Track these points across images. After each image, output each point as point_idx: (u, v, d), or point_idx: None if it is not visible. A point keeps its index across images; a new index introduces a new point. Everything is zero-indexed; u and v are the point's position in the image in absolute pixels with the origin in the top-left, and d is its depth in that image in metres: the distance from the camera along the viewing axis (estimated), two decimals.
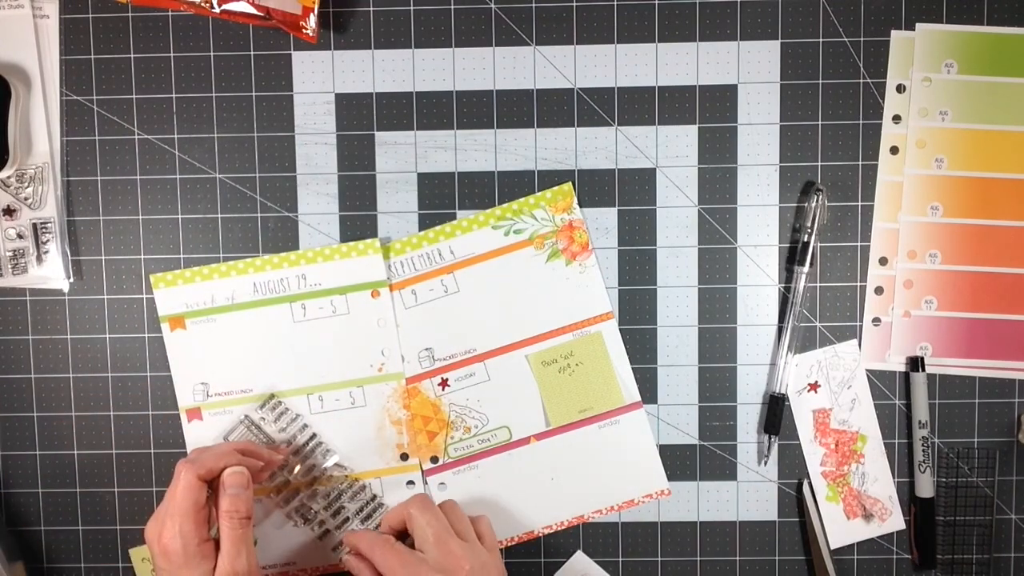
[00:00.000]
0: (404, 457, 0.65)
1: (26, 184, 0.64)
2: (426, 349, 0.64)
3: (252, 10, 0.60)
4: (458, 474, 0.65)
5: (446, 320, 0.64)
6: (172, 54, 0.64)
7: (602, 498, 0.65)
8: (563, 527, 0.65)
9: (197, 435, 0.65)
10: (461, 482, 0.65)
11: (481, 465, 0.65)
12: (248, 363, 0.64)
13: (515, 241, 0.64)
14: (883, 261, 0.64)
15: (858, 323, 0.65)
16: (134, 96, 0.65)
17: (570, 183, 0.64)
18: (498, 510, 0.65)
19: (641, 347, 0.65)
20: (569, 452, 0.64)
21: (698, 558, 0.66)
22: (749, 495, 0.65)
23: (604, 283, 0.64)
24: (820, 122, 0.64)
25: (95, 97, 0.65)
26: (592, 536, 0.66)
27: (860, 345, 0.65)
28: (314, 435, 0.64)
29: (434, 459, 0.65)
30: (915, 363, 0.64)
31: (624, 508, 0.65)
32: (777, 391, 0.64)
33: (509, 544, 0.65)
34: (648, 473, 0.65)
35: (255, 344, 0.64)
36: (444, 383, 0.64)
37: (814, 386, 0.65)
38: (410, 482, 0.65)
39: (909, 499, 0.65)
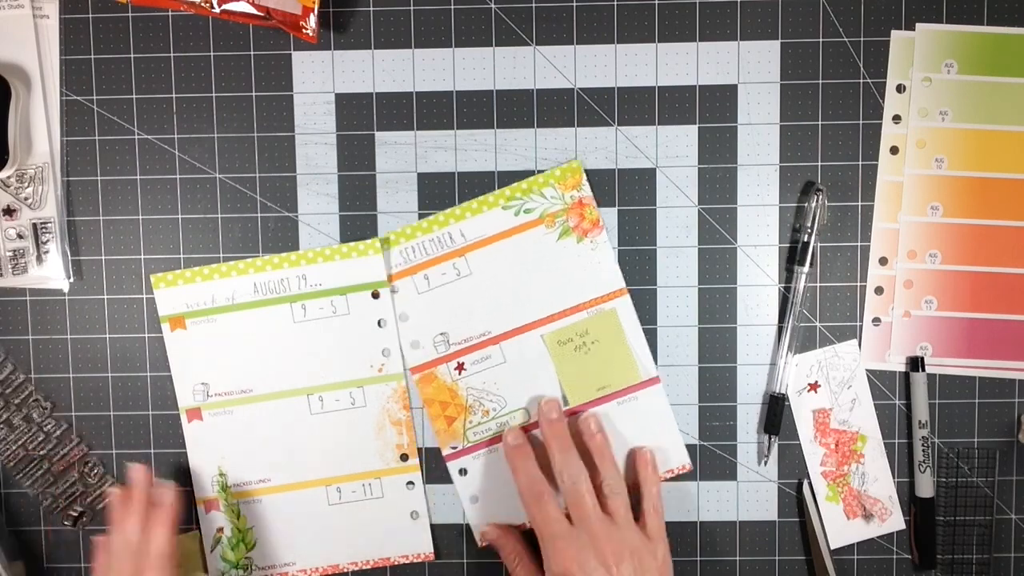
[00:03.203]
0: (404, 458, 0.65)
1: (26, 184, 0.64)
2: (441, 334, 0.64)
3: (252, 10, 0.60)
4: (477, 458, 0.65)
5: (459, 304, 0.64)
6: (172, 54, 0.64)
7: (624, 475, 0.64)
8: None
9: (197, 435, 0.65)
10: (481, 466, 0.65)
11: (501, 448, 0.64)
12: (248, 363, 0.64)
13: (525, 221, 0.64)
14: (883, 261, 0.64)
15: (858, 323, 0.65)
16: (134, 96, 0.65)
17: (579, 160, 0.63)
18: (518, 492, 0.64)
19: None
20: None
21: (698, 558, 0.66)
22: (749, 495, 0.65)
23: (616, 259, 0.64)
24: (820, 122, 0.64)
25: (95, 97, 0.65)
26: None
27: (860, 345, 0.65)
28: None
29: (453, 447, 0.64)
30: (915, 363, 0.64)
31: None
32: (777, 391, 0.64)
33: (529, 527, 0.65)
34: (669, 448, 0.64)
35: (255, 344, 0.64)
36: (460, 367, 0.64)
37: (814, 386, 0.65)
38: (410, 483, 0.65)
39: (909, 499, 0.65)
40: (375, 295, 0.64)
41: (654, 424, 0.64)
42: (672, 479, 0.65)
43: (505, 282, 0.64)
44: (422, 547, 0.65)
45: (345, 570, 0.65)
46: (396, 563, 0.65)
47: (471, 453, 0.65)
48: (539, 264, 0.64)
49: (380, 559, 0.65)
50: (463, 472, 0.65)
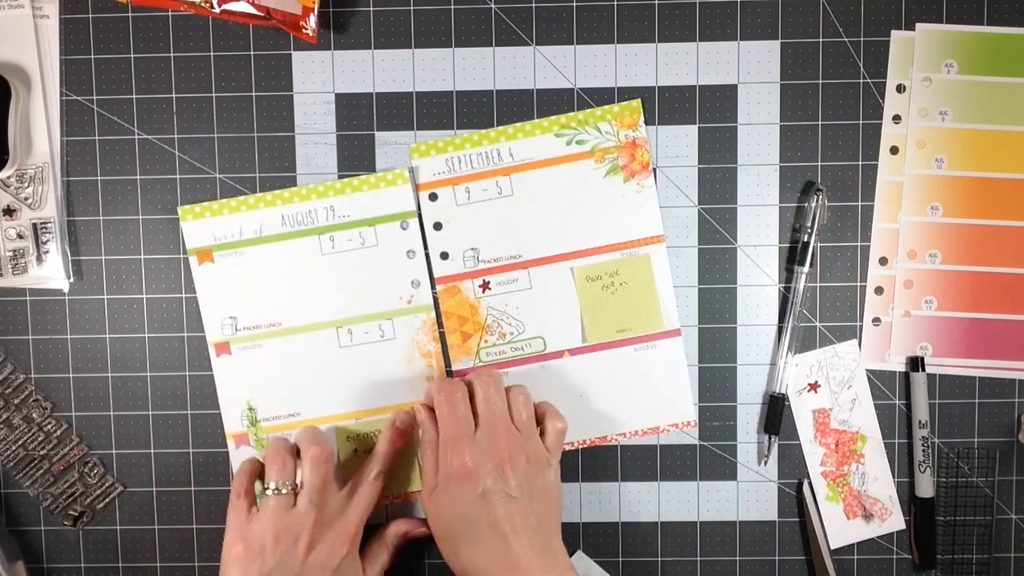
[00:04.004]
0: None
1: (26, 184, 0.64)
2: (472, 249, 0.64)
3: (252, 10, 0.60)
4: None
5: (496, 222, 0.64)
6: (172, 54, 0.64)
7: (628, 421, 0.64)
8: (585, 445, 0.64)
9: (226, 370, 0.64)
10: None
11: (512, 373, 0.64)
12: (277, 296, 0.64)
13: (576, 152, 0.63)
14: (883, 261, 0.64)
15: (858, 323, 0.65)
16: (134, 96, 0.65)
17: (640, 99, 0.63)
18: None
19: None
20: (602, 371, 0.64)
21: (698, 558, 0.66)
22: (749, 495, 0.65)
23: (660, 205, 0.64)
24: (820, 122, 0.64)
25: (95, 97, 0.65)
26: (592, 536, 0.66)
27: (860, 345, 0.65)
28: None
29: (464, 363, 0.64)
30: (915, 363, 0.64)
31: (648, 434, 0.64)
32: (777, 391, 0.64)
33: None
34: (677, 402, 0.64)
35: (284, 277, 0.64)
36: (485, 285, 0.64)
37: (814, 386, 0.65)
38: None
39: (909, 499, 0.65)
40: (403, 226, 0.63)
41: (666, 375, 0.64)
42: (673, 479, 0.65)
43: (544, 209, 0.63)
44: None
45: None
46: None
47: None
48: (581, 197, 0.63)
49: (412, 491, 0.65)
50: None
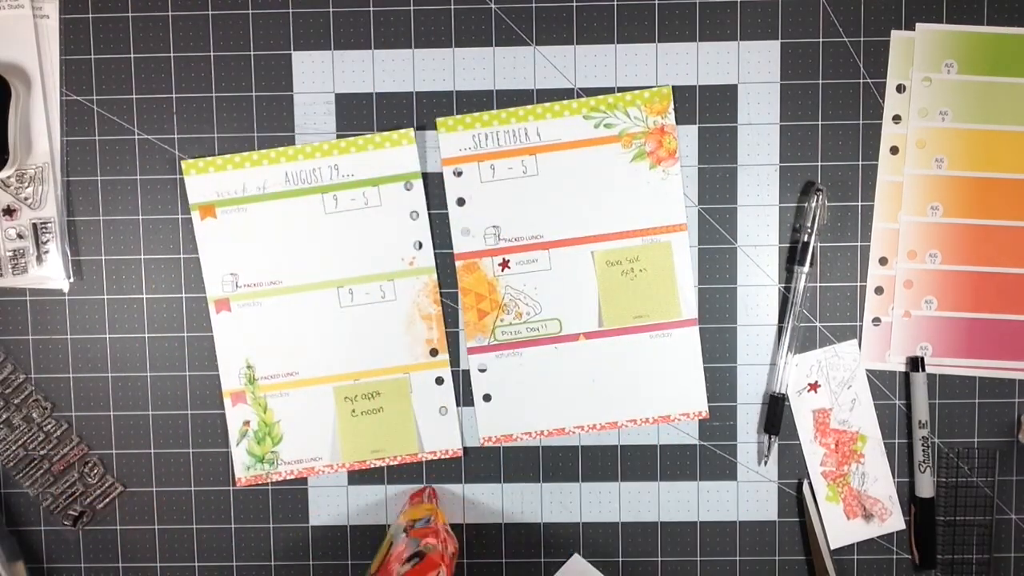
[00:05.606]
0: (434, 353, 0.64)
1: (26, 184, 0.64)
2: (493, 226, 0.64)
3: None
4: (500, 358, 0.64)
5: (519, 201, 0.64)
6: (172, 54, 0.64)
7: (640, 408, 0.64)
8: (596, 429, 0.65)
9: (225, 326, 0.64)
10: (502, 366, 0.64)
11: (525, 353, 0.64)
12: (278, 254, 0.64)
13: (603, 135, 0.63)
14: (883, 261, 0.64)
15: (858, 323, 0.65)
16: (134, 96, 0.65)
17: (670, 87, 0.63)
18: (534, 401, 0.65)
19: None
20: (616, 356, 0.64)
21: (698, 558, 0.66)
22: (749, 495, 0.65)
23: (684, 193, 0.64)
24: (820, 122, 0.64)
25: (95, 97, 0.65)
26: (592, 536, 0.66)
27: (860, 345, 0.65)
28: None
29: (479, 341, 0.64)
30: (915, 363, 0.64)
31: (659, 422, 0.64)
32: (777, 391, 0.64)
33: (543, 435, 0.65)
34: (689, 392, 0.64)
35: (286, 235, 0.64)
36: (505, 264, 0.64)
37: (814, 386, 0.65)
38: (439, 379, 0.65)
39: (909, 499, 0.65)
40: (408, 187, 0.63)
41: (681, 365, 0.64)
42: (672, 479, 0.65)
43: (568, 191, 0.63)
44: (451, 443, 0.65)
45: (371, 465, 0.65)
46: (424, 459, 0.65)
47: (495, 351, 0.64)
48: (606, 181, 0.63)
49: (408, 455, 0.65)
50: (482, 369, 0.64)
